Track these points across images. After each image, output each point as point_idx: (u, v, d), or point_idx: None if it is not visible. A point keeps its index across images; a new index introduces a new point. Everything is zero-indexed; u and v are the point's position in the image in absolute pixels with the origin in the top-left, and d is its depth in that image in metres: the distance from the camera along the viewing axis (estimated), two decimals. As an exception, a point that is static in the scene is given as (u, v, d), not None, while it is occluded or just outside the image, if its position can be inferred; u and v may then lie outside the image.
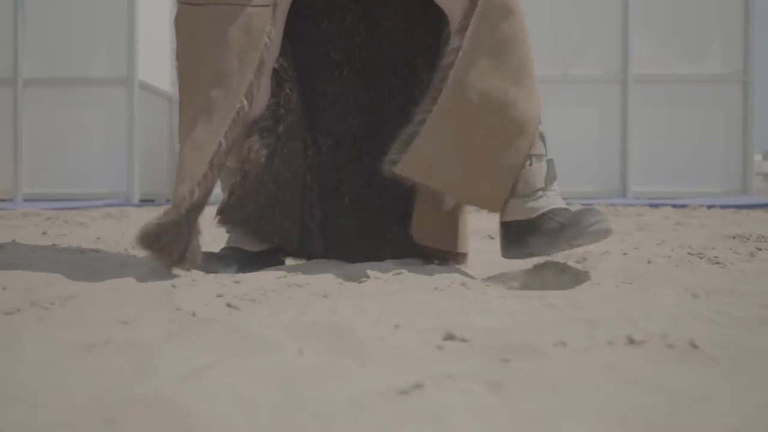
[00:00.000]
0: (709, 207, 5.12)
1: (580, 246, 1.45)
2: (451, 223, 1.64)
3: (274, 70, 1.55)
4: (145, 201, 6.89)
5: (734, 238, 2.20)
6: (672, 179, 6.37)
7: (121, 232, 3.07)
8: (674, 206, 5.20)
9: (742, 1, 6.33)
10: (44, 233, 2.89)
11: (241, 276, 1.43)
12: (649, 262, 1.61)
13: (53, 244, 2.05)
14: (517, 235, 1.49)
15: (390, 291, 1.30)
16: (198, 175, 1.41)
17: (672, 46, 6.38)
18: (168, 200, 7.30)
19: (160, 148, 7.45)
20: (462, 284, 1.35)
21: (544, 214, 1.47)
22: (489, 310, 1.07)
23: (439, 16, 1.58)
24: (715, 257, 1.74)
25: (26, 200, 6.50)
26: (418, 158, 1.42)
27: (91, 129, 6.65)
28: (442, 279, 1.40)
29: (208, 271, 1.50)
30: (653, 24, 6.36)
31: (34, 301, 1.11)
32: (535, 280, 1.50)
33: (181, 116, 1.49)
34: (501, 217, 1.53)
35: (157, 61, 7.22)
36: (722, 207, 5.19)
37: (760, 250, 1.87)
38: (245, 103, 1.43)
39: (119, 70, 6.65)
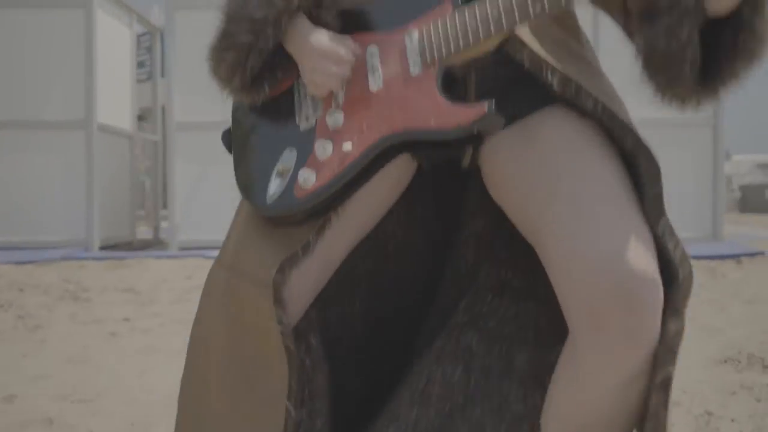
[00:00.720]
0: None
1: None
2: None
3: None
4: (106, 247, 6.64)
5: (725, 362, 2.10)
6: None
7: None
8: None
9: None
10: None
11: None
12: None
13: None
14: None
15: None
16: None
17: (641, 90, 6.33)
18: (129, 243, 6.99)
19: (121, 189, 7.20)
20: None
21: None
22: None
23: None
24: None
25: (-22, 250, 6.22)
26: None
27: (48, 174, 6.39)
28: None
29: None
30: (622, 67, 6.31)
31: None
32: None
33: None
34: None
35: (116, 101, 6.98)
36: (694, 258, 5.14)
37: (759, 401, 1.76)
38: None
39: (77, 112, 6.40)
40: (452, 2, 1.00)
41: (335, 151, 1.05)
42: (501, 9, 0.96)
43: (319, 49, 1.04)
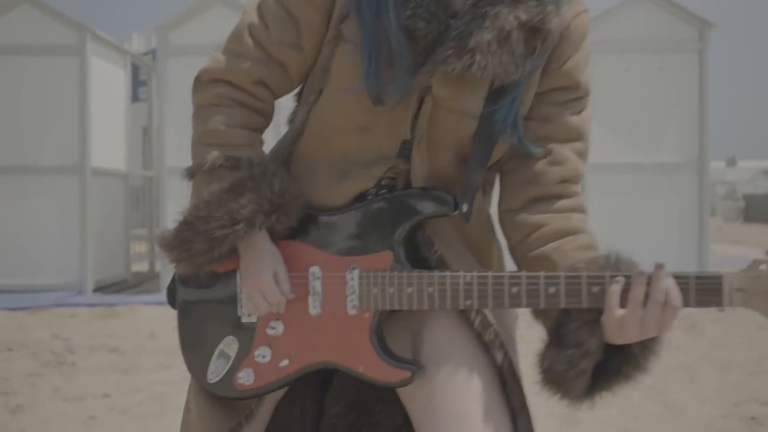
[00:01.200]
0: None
1: None
2: None
3: None
4: (101, 288, 6.75)
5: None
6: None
7: None
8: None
9: (697, 94, 6.37)
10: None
11: None
12: None
13: None
14: None
15: None
16: None
17: (627, 135, 6.39)
18: (124, 280, 7.09)
19: (116, 228, 7.30)
20: None
21: None
22: None
23: None
24: None
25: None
26: None
27: (43, 217, 6.51)
28: None
29: None
30: (608, 113, 6.37)
31: None
32: None
33: None
34: None
35: (110, 144, 7.09)
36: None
37: None
38: None
39: (71, 157, 6.51)
40: (392, 257, 1.09)
41: (273, 360, 1.15)
42: (436, 290, 1.06)
43: (259, 284, 1.11)
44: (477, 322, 1.12)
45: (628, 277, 1.01)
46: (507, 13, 1.04)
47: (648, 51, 6.40)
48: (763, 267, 0.95)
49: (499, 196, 1.19)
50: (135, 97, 8.53)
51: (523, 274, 1.04)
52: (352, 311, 1.10)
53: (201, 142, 1.16)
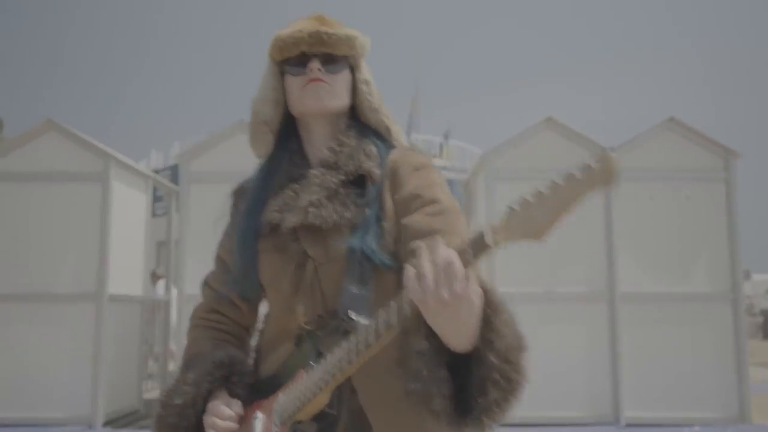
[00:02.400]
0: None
1: None
2: None
3: None
4: (111, 421, 6.45)
5: None
6: (665, 404, 6.07)
7: None
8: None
9: (725, 222, 6.28)
10: None
11: None
12: None
13: None
14: None
15: None
16: None
17: (658, 265, 6.25)
18: (136, 411, 6.81)
19: (130, 356, 7.08)
20: None
21: None
22: None
23: None
24: None
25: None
26: None
27: (55, 347, 6.30)
28: None
29: None
30: (638, 243, 6.26)
31: None
32: None
33: None
34: None
35: (129, 267, 6.98)
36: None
37: None
38: None
39: (88, 285, 6.38)
40: (305, 368, 1.28)
41: None
42: (329, 371, 1.21)
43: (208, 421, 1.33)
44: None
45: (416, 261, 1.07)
46: (327, 177, 1.40)
47: (673, 180, 6.35)
48: (513, 207, 1.02)
49: None
50: (152, 212, 8.46)
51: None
52: (275, 429, 1.29)
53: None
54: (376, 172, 1.40)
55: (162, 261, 9.21)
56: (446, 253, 1.03)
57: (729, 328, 6.17)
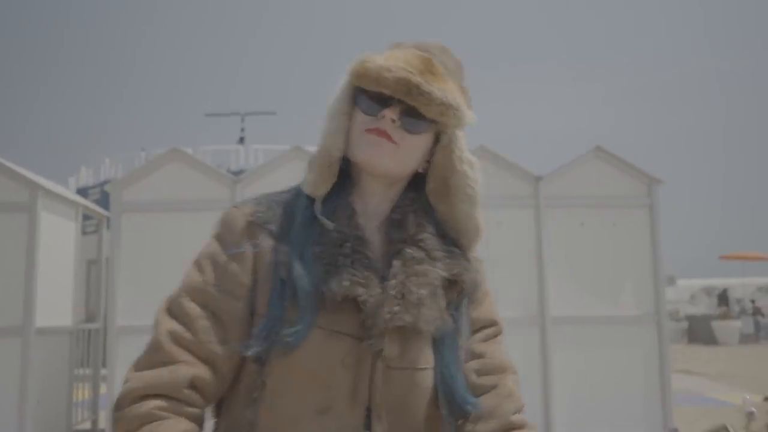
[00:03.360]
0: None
1: None
2: None
3: None
4: (37, 458, 6.26)
5: None
6: (595, 423, 6.26)
7: None
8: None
9: (649, 247, 6.52)
10: None
11: None
12: None
13: None
14: None
15: None
16: None
17: (587, 289, 6.44)
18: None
19: (58, 388, 6.88)
20: None
21: None
22: None
23: None
24: None
25: None
26: None
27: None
28: None
29: None
30: (569, 268, 6.44)
31: None
32: None
33: None
34: None
35: (56, 299, 6.79)
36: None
37: None
38: None
39: (13, 318, 6.18)
40: None
41: None
42: None
43: None
44: None
45: None
46: (432, 270, 1.17)
47: (600, 206, 6.56)
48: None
49: None
50: (82, 230, 8.24)
51: None
52: None
53: None
54: (468, 282, 1.24)
55: (92, 280, 8.99)
56: None
57: (654, 351, 6.41)
